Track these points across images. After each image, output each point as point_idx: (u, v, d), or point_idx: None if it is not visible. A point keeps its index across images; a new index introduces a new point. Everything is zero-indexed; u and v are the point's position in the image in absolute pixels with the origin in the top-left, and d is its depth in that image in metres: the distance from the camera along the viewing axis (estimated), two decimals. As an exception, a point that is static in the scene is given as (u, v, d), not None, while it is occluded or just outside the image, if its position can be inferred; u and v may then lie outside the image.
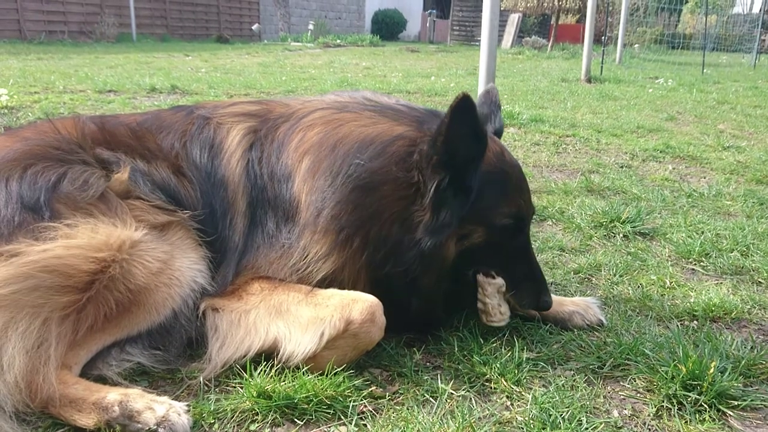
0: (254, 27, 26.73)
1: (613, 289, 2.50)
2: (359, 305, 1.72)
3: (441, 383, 1.75)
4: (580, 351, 1.98)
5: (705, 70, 15.32)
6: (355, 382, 1.70)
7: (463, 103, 1.67)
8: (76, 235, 1.68)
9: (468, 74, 12.64)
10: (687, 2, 30.38)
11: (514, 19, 25.85)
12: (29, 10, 19.41)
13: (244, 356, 1.72)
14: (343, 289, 1.82)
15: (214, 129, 2.07)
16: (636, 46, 24.44)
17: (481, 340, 1.96)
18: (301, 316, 1.74)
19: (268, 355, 1.75)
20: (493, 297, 1.95)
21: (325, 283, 1.84)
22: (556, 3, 22.70)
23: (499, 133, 2.15)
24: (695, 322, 2.24)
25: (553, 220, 3.38)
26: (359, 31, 33.76)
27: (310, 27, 27.32)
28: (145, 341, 1.75)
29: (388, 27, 35.89)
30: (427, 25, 35.58)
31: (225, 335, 1.76)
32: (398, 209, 1.79)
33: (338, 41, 25.16)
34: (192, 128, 2.08)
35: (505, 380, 1.77)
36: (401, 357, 1.88)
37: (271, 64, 13.81)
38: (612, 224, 3.24)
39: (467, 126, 1.73)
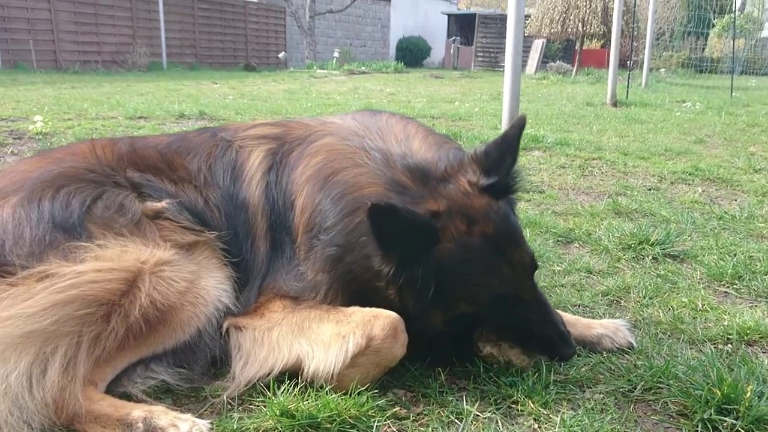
0: (281, 55, 27.29)
1: (642, 311, 2.44)
2: (381, 321, 1.71)
3: (466, 404, 1.72)
4: (609, 374, 1.93)
5: (734, 93, 15.11)
6: (379, 402, 1.68)
7: (375, 213, 1.58)
8: (108, 256, 1.71)
9: (492, 99, 12.68)
10: (714, 26, 30.14)
11: (538, 44, 25.95)
12: (65, 41, 20.13)
13: (268, 375, 1.72)
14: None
15: (236, 151, 2.10)
16: (662, 70, 24.32)
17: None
18: (324, 334, 1.73)
19: (291, 373, 1.74)
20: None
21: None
22: (580, 28, 22.72)
23: (507, 186, 1.88)
24: (729, 345, 2.17)
25: (580, 242, 3.33)
26: (384, 58, 34.22)
27: (336, 54, 27.76)
28: (170, 359, 1.76)
29: (412, 54, 36.30)
30: (451, 51, 35.88)
31: (248, 353, 1.76)
32: (367, 277, 1.75)
33: (363, 68, 25.50)
34: (216, 151, 2.12)
35: (533, 402, 1.73)
36: (425, 378, 1.85)
37: (297, 91, 14.03)
38: (641, 246, 3.18)
39: (390, 225, 1.62)
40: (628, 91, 13.06)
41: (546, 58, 26.93)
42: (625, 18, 15.62)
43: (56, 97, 10.15)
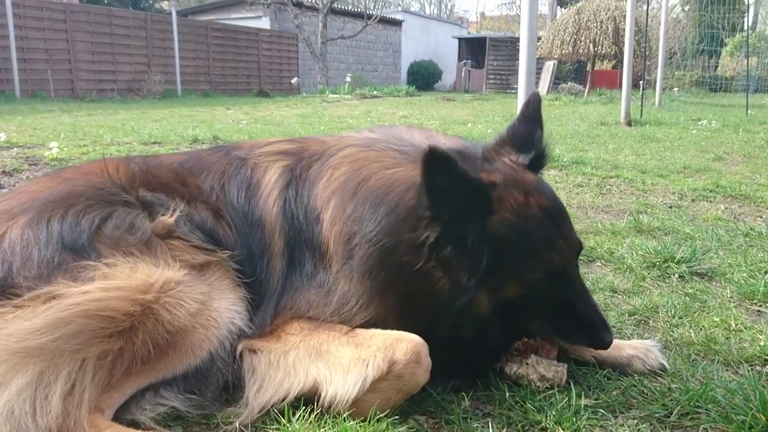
0: (293, 81, 27.56)
1: (673, 331, 2.34)
2: (403, 345, 1.62)
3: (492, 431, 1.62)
4: (642, 398, 1.83)
5: (749, 111, 14.96)
6: (400, 429, 1.59)
7: (431, 157, 1.53)
8: (116, 276, 1.65)
9: (504, 120, 12.64)
10: (726, 45, 30.07)
11: (549, 66, 25.98)
12: (82, 70, 20.50)
13: (283, 400, 1.64)
14: (386, 329, 1.73)
15: (251, 169, 2.05)
16: (675, 89, 24.21)
17: (534, 383, 1.82)
18: (343, 357, 1.65)
19: (307, 398, 1.66)
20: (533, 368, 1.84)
21: (367, 325, 1.76)
22: (591, 49, 22.74)
23: (543, 156, 1.93)
24: (768, 367, 2.06)
25: (603, 261, 3.23)
26: (395, 82, 34.47)
27: (348, 79, 28.00)
28: (180, 384, 1.68)
29: (423, 78, 36.54)
30: (462, 74, 36.08)
31: (263, 378, 1.68)
32: (417, 269, 1.67)
33: (375, 92, 25.66)
34: (230, 168, 2.07)
35: (562, 429, 1.63)
36: (448, 403, 1.76)
37: (310, 115, 14.11)
38: (666, 264, 3.08)
39: (445, 177, 1.58)
40: (642, 110, 12.97)
41: (557, 79, 26.94)
42: (636, 38, 15.60)
43: (72, 125, 10.25)
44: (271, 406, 1.64)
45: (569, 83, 25.80)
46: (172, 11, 24.45)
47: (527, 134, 1.91)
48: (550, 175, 5.87)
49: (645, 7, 18.28)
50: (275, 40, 28.34)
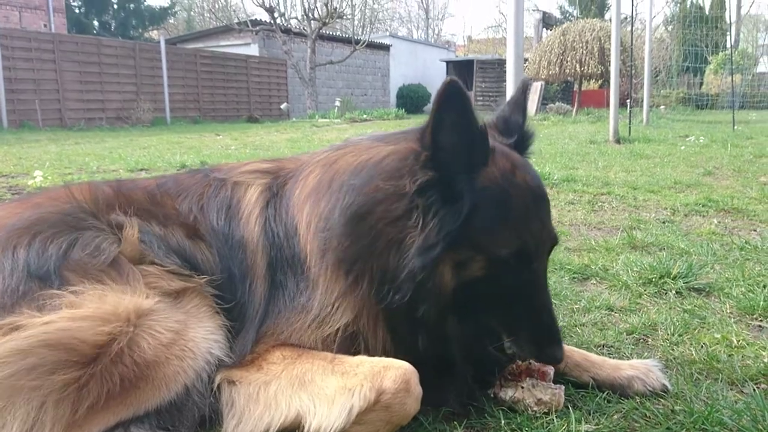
0: (283, 106, 27.65)
1: (673, 350, 2.25)
2: (392, 372, 1.52)
3: (488, 463, 1.52)
4: (645, 421, 1.73)
5: (736, 127, 15.08)
6: (389, 463, 1.49)
7: (450, 87, 1.49)
8: (83, 304, 1.55)
9: (494, 140, 12.62)
10: (710, 63, 30.51)
11: (536, 87, 26.20)
12: (70, 99, 20.48)
13: (264, 435, 1.53)
14: (367, 339, 1.66)
15: (231, 189, 1.97)
16: (662, 107, 24.47)
17: (530, 408, 1.72)
18: (327, 387, 1.55)
19: (290, 433, 1.55)
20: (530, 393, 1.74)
21: (348, 334, 1.68)
22: (578, 69, 22.96)
23: (526, 139, 1.91)
24: (774, 385, 1.97)
25: (598, 279, 3.15)
26: (385, 105, 34.68)
27: (337, 104, 28.10)
28: (152, 421, 1.56)
29: (412, 101, 36.75)
30: (451, 97, 36.26)
31: (242, 411, 1.57)
32: (393, 233, 1.60)
33: (364, 116, 25.74)
34: (209, 190, 1.98)
35: (563, 458, 1.53)
36: (440, 433, 1.66)
37: (299, 139, 14.08)
38: (662, 280, 3.00)
39: (456, 114, 1.54)
40: (630, 128, 13.04)
41: (545, 99, 27.18)
42: (622, 57, 15.76)
43: (59, 153, 10.16)
44: (251, 442, 1.53)
45: (557, 103, 26.04)
46: (160, 40, 24.50)
47: (511, 121, 1.92)
48: (540, 193, 5.81)
49: (629, 28, 18.53)
50: (264, 67, 28.48)
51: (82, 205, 1.83)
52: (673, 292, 2.89)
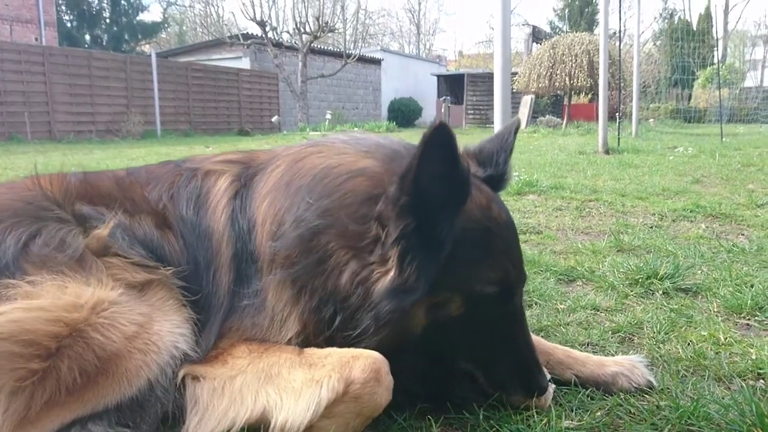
0: (274, 119, 27.64)
1: (659, 347, 2.19)
2: (361, 362, 1.46)
3: (464, 460, 1.45)
4: (629, 418, 1.66)
5: (724, 139, 15.18)
6: (360, 460, 1.41)
7: (439, 133, 1.39)
8: (40, 295, 1.47)
9: (484, 151, 12.61)
10: (698, 77, 30.84)
11: (527, 100, 26.38)
12: (59, 111, 20.37)
13: (228, 431, 1.45)
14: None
15: (201, 178, 1.90)
16: (651, 120, 24.66)
17: (510, 407, 1.66)
18: (295, 380, 1.48)
19: (258, 428, 1.47)
20: None
21: (300, 342, 1.60)
22: (567, 82, 23.13)
23: (501, 179, 1.82)
24: (762, 381, 1.91)
25: (584, 280, 3.10)
26: (376, 119, 34.74)
27: (328, 116, 28.15)
28: (112, 417, 1.48)
29: (404, 114, 36.87)
30: (442, 110, 36.44)
31: (206, 407, 1.49)
32: (348, 255, 1.52)
33: (355, 129, 25.77)
34: (179, 179, 1.92)
35: (542, 454, 1.46)
36: (415, 429, 1.59)
37: (289, 151, 14.00)
38: (649, 281, 2.95)
39: (443, 164, 1.43)
40: (619, 139, 13.09)
41: (535, 113, 27.34)
42: (611, 70, 15.88)
43: (45, 164, 10.05)
44: (215, 438, 1.45)
45: (547, 116, 26.19)
46: (152, 53, 24.49)
47: (492, 154, 1.84)
48: (528, 200, 5.78)
49: (617, 42, 18.71)
50: (255, 80, 28.50)
51: (47, 193, 1.77)
52: (660, 292, 2.83)
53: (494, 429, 1.58)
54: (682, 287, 2.89)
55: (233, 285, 1.72)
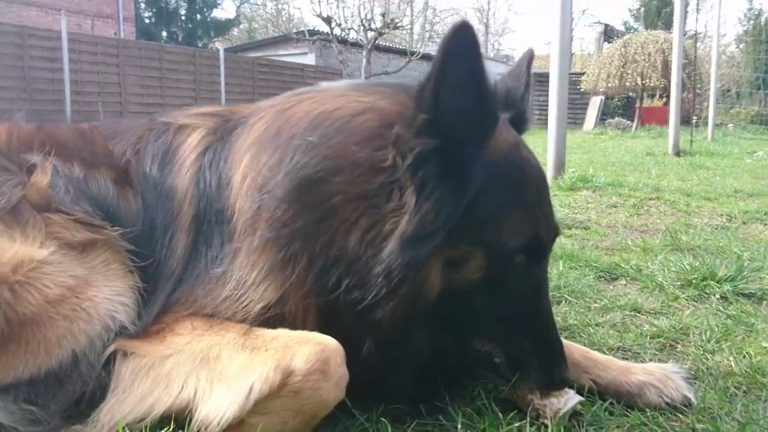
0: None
1: (706, 358, 1.81)
2: (306, 349, 1.19)
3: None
4: (653, 440, 1.32)
5: (812, 145, 13.95)
6: (296, 466, 1.14)
7: (462, 35, 1.16)
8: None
9: (543, 150, 12.07)
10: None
11: (596, 101, 25.32)
12: (131, 102, 21.09)
13: (144, 419, 1.21)
14: (293, 326, 1.30)
15: (173, 133, 1.69)
16: (730, 125, 23.13)
17: (498, 413, 1.35)
18: (232, 366, 1.23)
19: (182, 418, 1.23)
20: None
21: (267, 317, 1.34)
22: (639, 82, 21.97)
23: (521, 119, 1.55)
24: (836, 407, 1.52)
25: (627, 278, 2.71)
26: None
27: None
28: (21, 392, 1.27)
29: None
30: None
31: (125, 388, 1.26)
32: (357, 211, 1.26)
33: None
34: (150, 134, 1.71)
35: (529, 477, 1.15)
36: (378, 434, 1.30)
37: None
38: (704, 283, 2.53)
39: (467, 74, 1.20)
40: (692, 142, 12.21)
41: (605, 114, 26.20)
42: (686, 70, 14.92)
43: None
44: (128, 426, 1.22)
45: (617, 118, 25.05)
46: (220, 48, 25.06)
47: (508, 91, 1.58)
48: (581, 196, 5.34)
49: (694, 41, 17.61)
50: (320, 76, 28.61)
51: (-8, 142, 1.59)
52: (717, 296, 2.42)
53: (478, 441, 1.27)
54: (744, 292, 2.47)
55: (190, 250, 1.49)
